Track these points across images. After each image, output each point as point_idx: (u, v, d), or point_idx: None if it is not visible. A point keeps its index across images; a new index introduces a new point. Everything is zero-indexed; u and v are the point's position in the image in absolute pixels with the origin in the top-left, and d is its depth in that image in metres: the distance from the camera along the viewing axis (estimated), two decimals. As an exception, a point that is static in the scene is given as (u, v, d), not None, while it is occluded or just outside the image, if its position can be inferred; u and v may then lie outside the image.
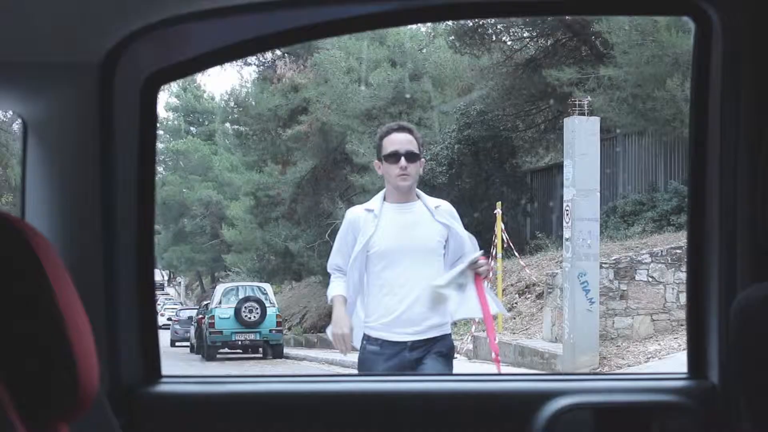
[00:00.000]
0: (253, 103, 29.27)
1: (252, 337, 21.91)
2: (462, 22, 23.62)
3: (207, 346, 21.86)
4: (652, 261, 12.79)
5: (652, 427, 1.72)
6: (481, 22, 20.33)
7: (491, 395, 1.84)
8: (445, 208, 4.45)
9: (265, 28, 1.75)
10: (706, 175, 1.66)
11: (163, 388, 1.91)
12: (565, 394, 1.79)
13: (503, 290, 15.92)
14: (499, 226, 15.25)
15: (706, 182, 1.65)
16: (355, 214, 4.40)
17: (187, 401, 1.87)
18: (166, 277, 58.33)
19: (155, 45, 1.67)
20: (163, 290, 55.17)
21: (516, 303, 16.41)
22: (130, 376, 1.88)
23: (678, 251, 12.70)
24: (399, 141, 4.27)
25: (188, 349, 26.35)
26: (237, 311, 21.85)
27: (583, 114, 12.52)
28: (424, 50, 24.99)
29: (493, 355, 2.63)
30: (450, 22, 24.70)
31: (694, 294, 1.78)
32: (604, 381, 1.88)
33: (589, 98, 14.12)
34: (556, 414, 1.76)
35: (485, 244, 17.29)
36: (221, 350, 22.27)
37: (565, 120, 12.67)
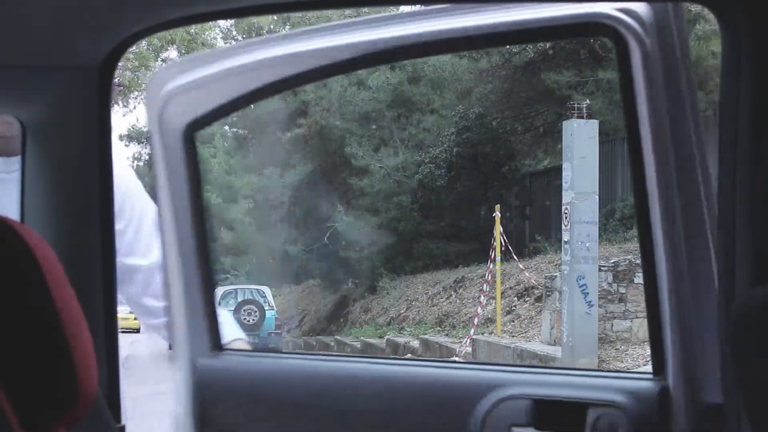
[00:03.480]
0: (252, 106, 29.28)
1: (250, 340, 21.87)
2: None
3: (206, 349, 21.84)
4: (650, 264, 12.78)
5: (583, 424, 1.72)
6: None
7: (438, 381, 1.88)
8: None
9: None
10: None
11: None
12: (512, 385, 1.80)
13: (502, 293, 15.92)
14: (498, 229, 15.25)
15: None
16: None
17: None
18: (164, 280, 58.28)
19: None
20: (161, 293, 55.12)
21: (515, 306, 16.40)
22: (129, 380, 1.88)
23: (677, 254, 12.68)
24: None
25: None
26: (235, 314, 21.83)
27: (581, 117, 12.52)
28: (423, 53, 24.97)
29: None
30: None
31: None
32: (558, 375, 1.87)
33: (587, 101, 14.13)
34: (494, 404, 1.77)
35: (484, 247, 17.29)
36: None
37: (564, 123, 12.67)
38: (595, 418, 1.70)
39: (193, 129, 1.94)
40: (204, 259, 1.97)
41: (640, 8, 1.60)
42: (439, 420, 1.81)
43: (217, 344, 2.00)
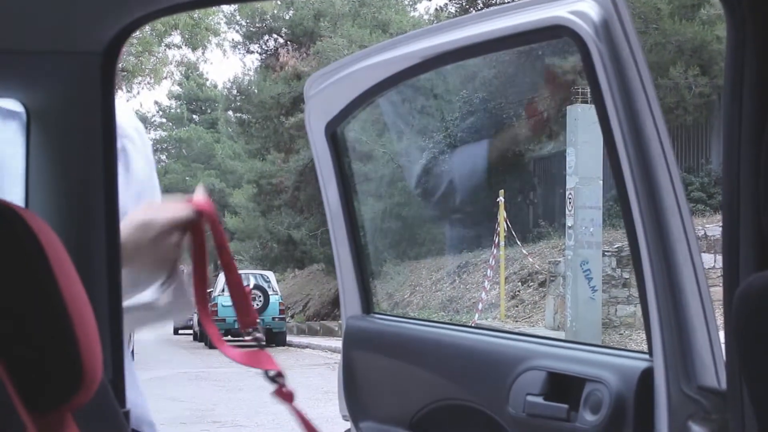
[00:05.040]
0: (256, 91, 29.25)
1: (255, 324, 21.91)
2: (466, 6, 23.56)
3: (210, 334, 21.88)
4: (654, 249, 12.77)
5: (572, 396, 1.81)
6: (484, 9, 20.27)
7: (480, 348, 2.07)
8: None
9: None
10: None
11: None
12: (534, 357, 1.91)
13: (506, 278, 15.93)
14: (502, 214, 15.25)
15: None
16: None
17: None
18: (169, 265, 58.22)
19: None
20: (166, 278, 55.07)
21: (519, 291, 16.41)
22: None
23: (681, 239, 12.67)
24: None
25: (191, 337, 26.40)
26: (239, 299, 21.82)
27: (586, 102, 12.50)
28: (427, 38, 24.87)
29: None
30: (453, 8, 24.63)
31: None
32: (574, 350, 1.92)
33: (592, 86, 14.08)
34: (518, 374, 1.90)
35: (488, 232, 17.31)
36: (224, 338, 22.33)
37: (568, 108, 12.65)
38: (588, 392, 1.77)
39: (331, 127, 2.29)
40: (354, 240, 2.38)
41: (589, 9, 1.69)
42: (481, 384, 2.01)
43: (365, 308, 2.41)
